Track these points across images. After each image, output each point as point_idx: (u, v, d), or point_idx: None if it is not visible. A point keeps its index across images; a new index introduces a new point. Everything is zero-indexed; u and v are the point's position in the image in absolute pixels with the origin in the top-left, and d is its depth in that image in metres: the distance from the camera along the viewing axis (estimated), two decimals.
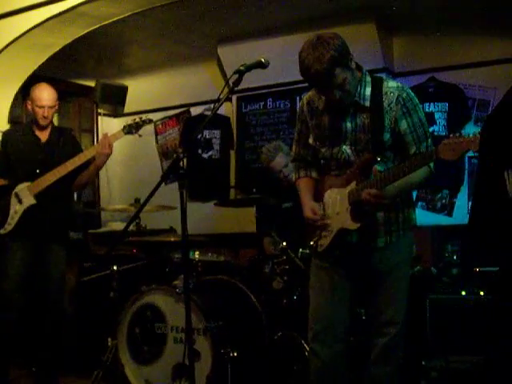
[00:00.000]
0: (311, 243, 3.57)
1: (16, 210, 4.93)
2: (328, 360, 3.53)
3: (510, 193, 3.02)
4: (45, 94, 5.02)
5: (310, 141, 3.57)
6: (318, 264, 3.62)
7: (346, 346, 3.60)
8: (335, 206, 3.45)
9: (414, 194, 6.13)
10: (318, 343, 3.55)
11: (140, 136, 5.14)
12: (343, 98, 3.30)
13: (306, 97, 3.59)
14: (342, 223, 3.38)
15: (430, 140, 3.35)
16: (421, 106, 3.43)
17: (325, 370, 3.56)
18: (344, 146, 3.44)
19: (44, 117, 5.01)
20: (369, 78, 3.39)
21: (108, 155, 4.99)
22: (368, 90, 3.36)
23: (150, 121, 5.17)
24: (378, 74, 3.61)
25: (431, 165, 3.32)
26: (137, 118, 5.08)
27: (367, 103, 3.34)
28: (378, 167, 3.33)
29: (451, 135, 2.99)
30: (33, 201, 4.92)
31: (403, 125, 3.32)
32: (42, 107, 4.99)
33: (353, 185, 3.35)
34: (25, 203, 4.93)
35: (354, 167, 3.39)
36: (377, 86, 3.36)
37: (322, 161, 3.59)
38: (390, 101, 3.32)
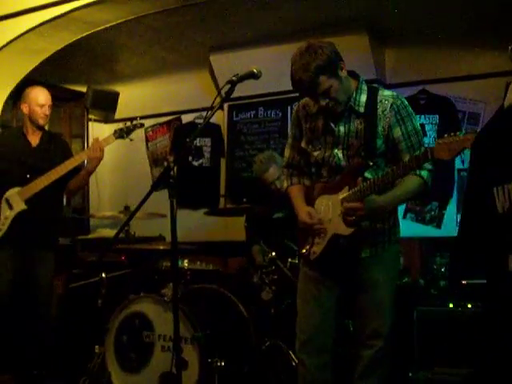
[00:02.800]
0: (303, 251, 3.55)
1: (6, 215, 4.90)
2: (314, 370, 3.53)
3: (499, 208, 3.04)
4: (44, 94, 5.07)
5: (303, 144, 3.58)
6: (306, 273, 3.62)
7: (333, 356, 3.59)
8: (327, 212, 3.44)
9: (403, 206, 6.16)
10: (305, 353, 3.55)
11: (131, 140, 5.14)
12: (331, 105, 3.33)
13: (301, 101, 3.61)
14: (335, 229, 3.37)
15: (423, 149, 3.34)
16: (415, 115, 3.44)
17: (311, 380, 3.55)
18: (336, 150, 3.45)
19: (45, 115, 5.03)
20: (365, 87, 3.43)
21: (99, 160, 4.99)
22: (364, 97, 3.40)
23: (142, 125, 5.18)
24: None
25: (425, 176, 3.34)
26: (128, 123, 5.08)
27: (362, 109, 3.38)
28: (367, 174, 3.35)
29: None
30: (23, 206, 4.90)
31: (397, 132, 3.35)
32: (42, 106, 5.01)
33: (345, 190, 3.34)
34: (15, 209, 4.91)
35: (345, 172, 3.40)
36: (372, 93, 3.41)
37: (312, 168, 3.60)
38: (384, 108, 3.36)
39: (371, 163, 3.34)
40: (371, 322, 3.45)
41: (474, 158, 2.97)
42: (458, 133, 2.96)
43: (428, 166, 3.34)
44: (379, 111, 3.36)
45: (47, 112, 5.06)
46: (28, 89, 5.15)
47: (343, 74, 3.32)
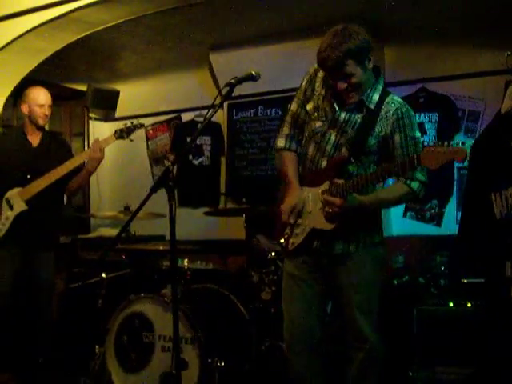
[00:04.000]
0: (281, 241, 3.54)
1: (7, 215, 4.90)
2: (302, 370, 3.55)
3: (497, 214, 3.05)
4: (43, 94, 5.06)
5: (309, 107, 3.54)
6: (287, 271, 3.62)
7: (321, 355, 3.59)
8: (307, 204, 3.42)
9: (404, 204, 6.16)
10: (292, 353, 3.57)
11: (131, 141, 5.13)
12: (347, 91, 3.31)
13: None
14: (315, 223, 3.36)
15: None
16: (417, 127, 3.40)
17: (300, 380, 3.57)
18: (331, 131, 3.44)
19: (45, 115, 5.03)
20: (381, 87, 3.41)
21: (100, 160, 4.98)
22: (376, 96, 3.38)
23: (142, 125, 5.17)
24: None
25: (414, 187, 3.31)
26: (128, 123, 5.06)
27: (372, 106, 3.36)
28: (352, 169, 3.35)
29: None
30: (24, 207, 4.90)
31: (396, 138, 3.34)
32: (42, 106, 5.01)
33: (326, 185, 3.34)
34: (16, 209, 4.91)
35: (327, 166, 3.39)
36: (384, 94, 3.39)
37: (304, 138, 3.57)
38: (388, 109, 3.36)
39: (353, 159, 3.33)
40: (354, 324, 3.44)
41: (471, 163, 2.98)
42: (446, 143, 2.94)
43: (421, 177, 3.32)
44: (382, 112, 3.36)
45: (47, 112, 5.06)
46: (28, 89, 5.15)
47: (369, 66, 3.31)
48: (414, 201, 3.36)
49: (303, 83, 3.60)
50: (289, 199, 3.47)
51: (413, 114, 3.40)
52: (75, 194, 5.74)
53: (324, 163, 3.44)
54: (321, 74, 3.50)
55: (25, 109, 5.06)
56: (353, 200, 3.26)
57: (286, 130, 3.66)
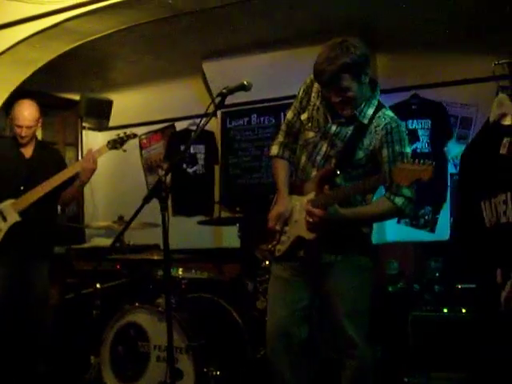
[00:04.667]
0: (269, 246, 3.57)
1: (0, 227, 4.90)
2: (283, 370, 3.55)
3: (487, 222, 3.07)
4: (25, 114, 4.95)
5: (303, 117, 3.55)
6: (274, 273, 3.64)
7: (306, 357, 3.60)
8: (295, 213, 3.46)
9: None
10: (273, 354, 3.59)
11: (124, 151, 5.13)
12: (342, 105, 3.32)
13: None
14: (299, 231, 3.39)
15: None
16: (408, 142, 3.38)
17: (280, 381, 3.57)
18: (322, 142, 3.45)
19: (22, 136, 4.98)
20: (375, 102, 3.40)
21: (93, 171, 4.97)
22: (370, 111, 3.37)
23: (135, 135, 5.16)
24: None
25: (398, 203, 3.29)
26: (121, 133, 5.05)
27: (366, 121, 3.35)
28: (339, 181, 3.36)
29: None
30: (17, 218, 4.89)
31: (384, 153, 3.32)
32: (20, 127, 4.96)
33: (312, 195, 3.35)
34: (9, 221, 4.89)
35: (315, 176, 3.41)
36: (377, 109, 3.38)
37: (298, 148, 3.58)
38: (377, 124, 3.34)
39: (338, 172, 3.32)
40: (341, 331, 3.44)
41: (462, 170, 2.99)
42: (417, 160, 2.94)
43: (407, 193, 3.29)
44: (372, 126, 3.35)
45: (24, 133, 4.95)
46: (15, 104, 5.10)
47: (365, 80, 3.30)
48: (400, 216, 3.35)
49: (300, 92, 3.62)
50: (276, 207, 3.52)
51: (403, 129, 3.38)
52: (69, 204, 5.73)
53: (313, 173, 3.46)
54: (317, 84, 3.50)
55: (10, 122, 5.05)
56: (333, 212, 3.27)
57: (280, 137, 3.69)
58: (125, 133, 5.05)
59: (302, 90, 3.62)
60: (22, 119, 4.96)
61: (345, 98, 3.29)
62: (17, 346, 5.14)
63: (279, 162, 3.67)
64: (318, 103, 3.51)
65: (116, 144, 5.01)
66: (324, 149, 3.44)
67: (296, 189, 3.52)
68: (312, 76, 3.48)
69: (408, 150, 3.35)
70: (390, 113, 3.41)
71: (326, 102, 3.45)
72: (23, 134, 4.97)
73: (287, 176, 3.63)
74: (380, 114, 3.37)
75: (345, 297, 3.41)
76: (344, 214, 3.29)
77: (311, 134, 3.50)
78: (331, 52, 3.21)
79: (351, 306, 3.42)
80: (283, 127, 3.70)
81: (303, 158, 3.53)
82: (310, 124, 3.52)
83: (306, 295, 3.55)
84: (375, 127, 3.34)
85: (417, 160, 2.96)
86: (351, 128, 3.38)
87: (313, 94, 3.55)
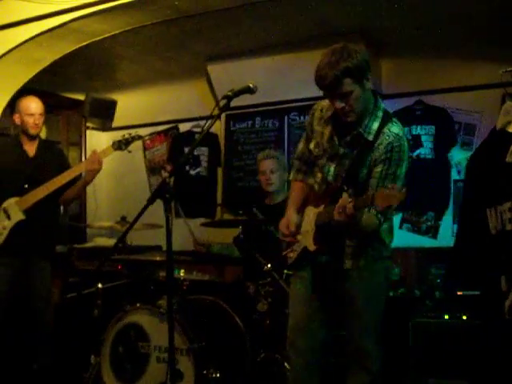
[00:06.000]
0: (284, 253, 3.71)
1: (4, 225, 4.90)
2: (300, 369, 3.60)
3: (492, 230, 3.06)
4: (33, 103, 5.07)
5: (311, 146, 3.62)
6: (296, 274, 3.71)
7: (322, 358, 3.66)
8: (307, 224, 3.56)
9: (400, 216, 6.17)
10: (292, 352, 3.63)
11: (129, 152, 5.15)
12: (345, 111, 3.32)
13: (320, 103, 3.62)
14: (305, 242, 3.51)
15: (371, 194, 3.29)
16: (407, 162, 3.39)
17: (296, 379, 3.63)
18: (330, 163, 3.50)
19: (35, 124, 5.02)
20: (380, 113, 3.41)
21: (97, 171, 5.00)
22: (375, 125, 3.38)
23: (140, 137, 5.18)
24: None
25: (381, 220, 3.33)
26: (126, 135, 5.08)
27: (371, 137, 3.37)
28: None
29: (389, 185, 3.03)
30: (22, 216, 4.90)
31: (378, 169, 3.34)
32: (32, 115, 5.00)
33: (321, 207, 3.43)
34: (14, 219, 4.91)
35: (327, 191, 3.50)
36: (383, 123, 3.38)
37: (316, 171, 3.65)
38: (381, 141, 3.35)
39: (346, 188, 3.33)
40: (354, 337, 3.51)
41: (468, 178, 2.99)
42: (393, 185, 2.99)
43: (387, 214, 3.38)
44: (377, 143, 3.36)
45: (37, 121, 5.05)
46: (19, 99, 5.16)
47: (367, 85, 3.31)
48: (377, 229, 3.39)
49: (306, 124, 3.74)
50: (281, 221, 3.66)
51: (405, 148, 3.36)
52: (70, 203, 5.77)
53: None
54: (317, 113, 3.59)
55: (17, 119, 5.08)
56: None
57: (295, 165, 3.85)
58: (130, 134, 5.08)
59: (307, 123, 3.71)
60: (35, 107, 5.04)
61: (348, 104, 3.29)
62: (17, 344, 5.16)
63: (293, 184, 3.84)
64: (321, 129, 3.56)
65: (121, 145, 5.03)
66: (333, 169, 3.49)
67: (312, 201, 3.61)
68: (314, 108, 3.61)
69: (403, 171, 3.36)
70: (395, 128, 3.39)
71: (332, 125, 3.50)
72: (37, 122, 5.02)
73: (299, 194, 3.75)
74: (385, 129, 3.37)
75: (365, 301, 3.48)
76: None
77: (321, 161, 3.57)
78: (332, 57, 3.22)
79: (370, 311, 3.49)
80: (296, 157, 3.84)
81: (318, 178, 3.60)
82: (317, 149, 3.58)
83: (323, 298, 3.60)
84: (379, 144, 3.35)
85: (393, 185, 3.02)
86: (358, 148, 3.41)
87: (315, 123, 3.61)
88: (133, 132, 5.13)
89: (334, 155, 3.49)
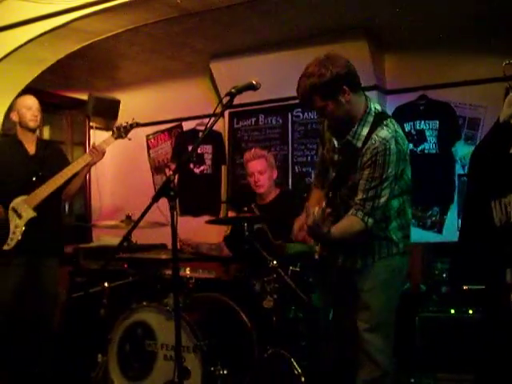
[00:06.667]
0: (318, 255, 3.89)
1: (16, 224, 4.91)
2: None
3: (497, 222, 3.06)
4: (30, 99, 5.15)
5: (325, 151, 3.73)
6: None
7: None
8: None
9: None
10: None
11: (129, 139, 5.21)
12: (328, 120, 3.51)
13: None
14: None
15: (376, 201, 3.39)
16: (395, 163, 3.40)
17: None
18: (332, 169, 3.64)
19: (34, 116, 5.05)
20: (370, 118, 3.45)
21: (101, 159, 5.10)
22: (365, 131, 3.43)
23: (138, 124, 5.29)
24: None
25: (370, 224, 3.41)
26: (124, 123, 5.22)
27: (359, 144, 3.43)
28: (338, 200, 3.59)
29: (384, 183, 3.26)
30: (33, 213, 4.93)
31: (365, 171, 3.41)
32: (29, 108, 5.04)
33: (317, 208, 3.43)
34: (25, 217, 4.93)
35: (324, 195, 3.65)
36: (372, 128, 3.42)
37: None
38: (369, 146, 3.40)
39: (330, 195, 3.52)
40: (364, 323, 3.57)
41: (471, 170, 2.99)
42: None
43: (378, 215, 3.45)
44: (365, 147, 3.41)
45: (36, 113, 5.08)
46: (16, 99, 5.23)
47: (345, 98, 3.34)
48: (365, 232, 3.44)
49: (320, 127, 3.85)
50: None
51: (393, 151, 3.36)
52: (73, 198, 5.80)
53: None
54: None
55: (15, 116, 5.11)
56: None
57: (316, 170, 4.05)
58: (127, 122, 5.15)
59: (321, 128, 3.83)
60: (32, 102, 5.12)
61: (325, 116, 3.45)
62: (25, 343, 5.18)
63: (312, 190, 3.97)
64: (328, 136, 3.66)
65: (121, 133, 5.13)
66: (331, 175, 3.64)
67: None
68: None
69: (391, 171, 3.38)
70: (383, 133, 3.40)
71: (331, 132, 3.63)
72: (36, 114, 5.05)
73: (315, 200, 3.80)
74: (374, 135, 3.40)
75: (374, 296, 3.57)
76: (326, 233, 3.35)
77: (329, 165, 3.69)
78: (309, 69, 3.35)
79: (379, 304, 3.57)
80: (317, 162, 4.02)
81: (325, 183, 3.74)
82: (327, 155, 3.69)
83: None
84: (366, 149, 3.40)
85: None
86: (348, 154, 3.50)
87: (325, 129, 3.71)
88: (131, 119, 5.23)
89: (332, 161, 3.62)
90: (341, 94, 3.31)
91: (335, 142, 3.57)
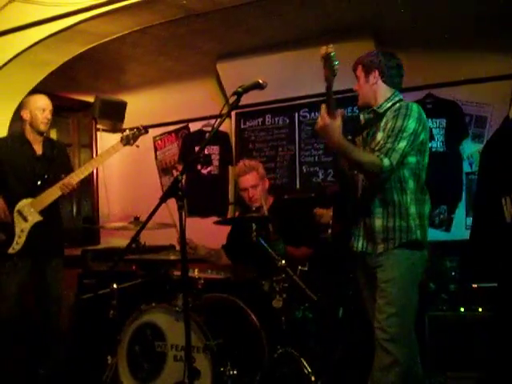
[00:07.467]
0: None
1: (22, 227, 4.91)
2: None
3: (508, 218, 3.05)
4: (44, 99, 5.14)
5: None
6: None
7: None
8: None
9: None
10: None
11: (137, 147, 5.19)
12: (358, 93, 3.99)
13: None
14: None
15: (395, 143, 3.62)
16: (416, 119, 3.68)
17: None
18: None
19: (47, 119, 5.04)
20: (396, 98, 3.89)
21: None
22: (389, 104, 3.85)
23: (146, 131, 5.25)
24: None
25: (385, 163, 3.57)
26: (130, 130, 5.20)
27: (381, 110, 3.86)
28: None
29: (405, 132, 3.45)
30: (39, 217, 4.93)
31: (388, 126, 3.72)
32: (43, 110, 5.02)
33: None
34: (31, 220, 4.92)
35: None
36: (395, 103, 3.86)
37: None
38: (392, 108, 3.79)
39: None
40: (379, 318, 3.68)
41: (481, 167, 2.99)
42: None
43: (396, 158, 3.60)
44: (389, 111, 3.78)
45: (49, 116, 5.07)
46: (27, 98, 5.19)
47: (373, 80, 3.89)
48: (374, 175, 3.52)
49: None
50: None
51: (414, 108, 3.73)
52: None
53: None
54: None
55: (26, 115, 5.07)
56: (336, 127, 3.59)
57: None
58: (136, 128, 5.13)
59: None
60: (46, 103, 5.12)
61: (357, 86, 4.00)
62: (31, 345, 5.19)
63: None
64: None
65: (129, 140, 5.10)
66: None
67: None
68: None
69: (411, 124, 3.66)
70: (405, 102, 3.83)
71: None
72: (49, 117, 5.04)
73: None
74: (397, 104, 3.82)
75: (392, 287, 3.68)
76: (341, 139, 3.54)
77: None
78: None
79: (397, 297, 3.67)
80: None
81: None
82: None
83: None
84: (389, 111, 3.79)
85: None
86: (372, 120, 3.93)
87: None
88: (139, 126, 5.25)
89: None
90: (372, 74, 3.87)
91: (362, 117, 4.01)
